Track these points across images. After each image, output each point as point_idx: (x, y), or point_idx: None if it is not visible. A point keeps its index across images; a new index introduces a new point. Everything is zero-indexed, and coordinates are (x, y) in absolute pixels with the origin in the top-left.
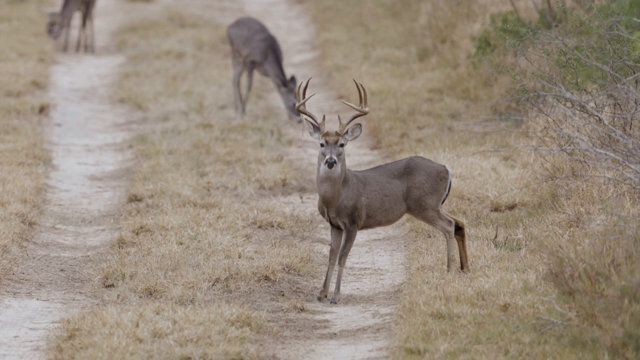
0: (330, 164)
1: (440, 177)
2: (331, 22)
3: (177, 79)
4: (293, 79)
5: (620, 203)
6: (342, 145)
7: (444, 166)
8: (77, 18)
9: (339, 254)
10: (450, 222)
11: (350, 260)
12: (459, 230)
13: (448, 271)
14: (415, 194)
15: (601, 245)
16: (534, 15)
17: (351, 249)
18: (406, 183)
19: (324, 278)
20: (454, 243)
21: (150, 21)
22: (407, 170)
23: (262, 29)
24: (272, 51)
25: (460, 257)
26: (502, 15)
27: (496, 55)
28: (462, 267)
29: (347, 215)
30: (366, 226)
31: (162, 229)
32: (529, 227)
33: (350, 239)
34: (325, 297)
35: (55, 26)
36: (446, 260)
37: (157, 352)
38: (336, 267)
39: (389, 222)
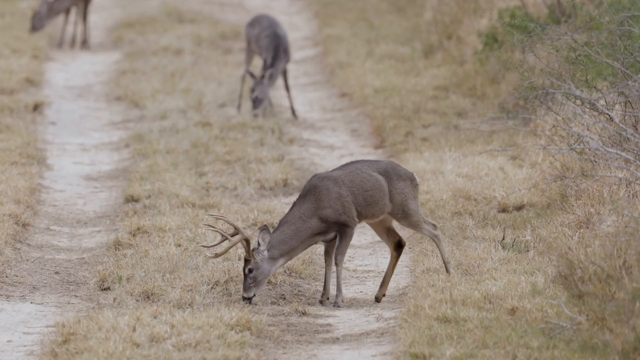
0: (244, 299)
1: (413, 184)
2: (333, 17)
3: (175, 76)
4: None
5: (632, 203)
6: (250, 271)
7: (413, 174)
8: (72, 13)
9: (335, 253)
10: (435, 226)
11: (353, 263)
12: (399, 247)
13: (448, 274)
14: (398, 199)
15: (612, 247)
16: (543, 11)
17: (348, 249)
18: (388, 186)
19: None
20: (444, 245)
21: (148, 17)
22: (387, 174)
23: (270, 26)
24: (272, 47)
25: (385, 277)
26: (510, 10)
27: (504, 52)
28: (381, 285)
29: (332, 223)
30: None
31: (159, 230)
32: (538, 228)
33: (344, 238)
34: (327, 299)
35: (36, 17)
36: (444, 265)
37: (154, 357)
38: (334, 269)
39: (373, 216)
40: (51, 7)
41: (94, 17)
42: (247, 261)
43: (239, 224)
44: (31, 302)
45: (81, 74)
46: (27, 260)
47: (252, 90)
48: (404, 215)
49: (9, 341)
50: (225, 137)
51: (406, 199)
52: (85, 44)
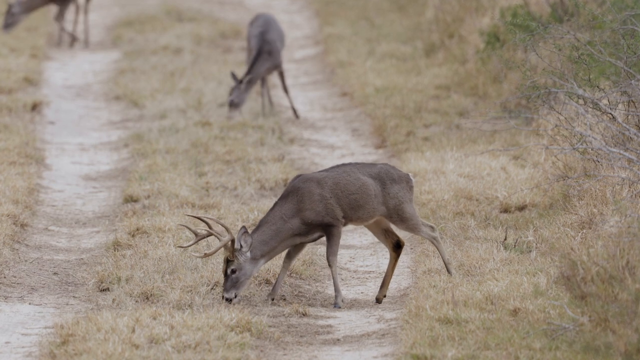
0: (225, 300)
1: (409, 186)
2: (334, 16)
3: (174, 75)
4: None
5: (635, 204)
6: (233, 272)
7: (408, 175)
8: (70, 12)
9: (326, 254)
10: (433, 228)
11: (354, 264)
12: (397, 248)
13: (450, 274)
14: (392, 203)
15: (615, 248)
16: (545, 9)
17: (349, 250)
18: (380, 191)
19: (275, 280)
20: (443, 246)
21: (147, 15)
22: (380, 178)
23: (261, 26)
24: (256, 49)
25: (385, 277)
26: (512, 9)
27: (506, 51)
28: (382, 286)
29: (316, 226)
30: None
31: (159, 230)
32: (540, 228)
33: (332, 238)
34: (273, 300)
35: (8, 14)
36: (445, 266)
37: (154, 359)
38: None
39: (359, 219)
40: (24, 4)
41: (93, 15)
42: (229, 261)
43: (226, 224)
44: (29, 303)
45: (80, 73)
46: (26, 261)
47: (230, 93)
48: (401, 218)
49: (7, 342)
50: (225, 136)
51: (401, 203)
52: (85, 42)
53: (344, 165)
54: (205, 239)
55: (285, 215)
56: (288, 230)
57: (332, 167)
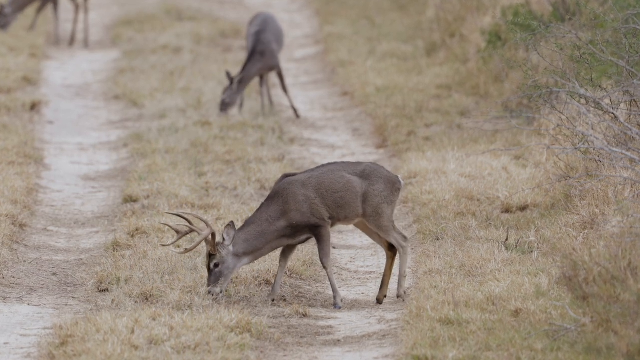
0: (211, 295)
1: (395, 188)
2: (335, 15)
3: (174, 75)
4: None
5: (637, 204)
6: (216, 266)
7: (398, 176)
8: (69, 11)
9: (319, 257)
10: (405, 238)
11: (354, 264)
12: (393, 247)
13: (398, 288)
14: (374, 201)
15: (617, 248)
16: (547, 8)
17: (349, 250)
18: (365, 188)
19: (274, 280)
20: (407, 259)
21: (146, 14)
22: (365, 175)
23: (260, 24)
24: (250, 49)
25: (384, 278)
26: (514, 8)
27: (507, 50)
28: (381, 286)
29: (304, 228)
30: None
31: (158, 231)
32: (542, 229)
33: (321, 239)
34: (273, 300)
35: (0, 15)
36: (398, 277)
37: None
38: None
39: (347, 218)
40: (15, 3)
41: (92, 14)
42: (211, 256)
43: (206, 218)
44: (28, 304)
45: (79, 72)
46: (25, 261)
47: (223, 93)
48: (376, 216)
49: (5, 343)
50: (225, 136)
51: (381, 202)
52: (85, 41)
53: (328, 164)
54: (188, 236)
55: (270, 217)
56: (273, 232)
57: (317, 167)
